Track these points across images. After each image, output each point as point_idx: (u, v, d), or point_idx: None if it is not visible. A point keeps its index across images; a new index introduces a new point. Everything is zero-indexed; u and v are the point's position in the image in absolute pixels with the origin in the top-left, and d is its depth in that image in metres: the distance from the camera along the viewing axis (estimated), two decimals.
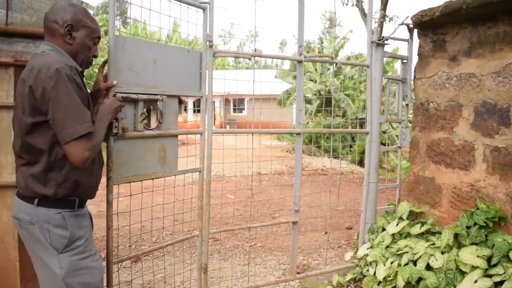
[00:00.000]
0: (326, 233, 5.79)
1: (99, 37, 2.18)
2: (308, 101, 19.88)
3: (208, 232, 3.46)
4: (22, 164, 2.04)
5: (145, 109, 2.82)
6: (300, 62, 3.80)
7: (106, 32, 21.06)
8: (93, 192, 2.22)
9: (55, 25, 2.06)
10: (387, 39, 4.23)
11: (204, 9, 3.22)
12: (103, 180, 2.45)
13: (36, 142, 1.96)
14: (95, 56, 2.23)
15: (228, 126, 25.79)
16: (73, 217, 2.06)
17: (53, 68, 1.88)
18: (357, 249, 4.40)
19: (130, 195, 3.08)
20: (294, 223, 3.95)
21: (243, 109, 31.03)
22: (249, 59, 3.51)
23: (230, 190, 8.25)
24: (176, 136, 3.17)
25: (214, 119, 3.71)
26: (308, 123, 18.81)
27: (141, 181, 2.95)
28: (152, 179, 3.00)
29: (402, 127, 4.53)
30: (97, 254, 2.19)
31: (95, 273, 2.12)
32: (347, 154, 12.96)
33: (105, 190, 2.70)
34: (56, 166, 1.99)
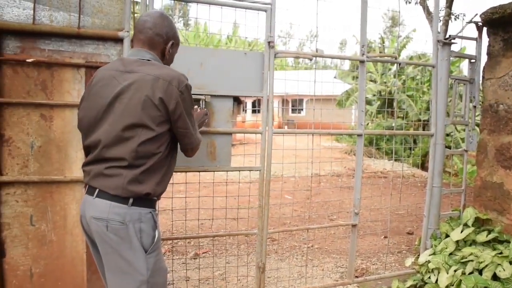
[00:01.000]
0: (386, 237, 5.66)
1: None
2: (368, 102, 19.49)
3: (266, 231, 3.47)
4: (118, 167, 2.00)
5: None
6: (362, 62, 3.73)
7: None
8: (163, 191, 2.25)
9: (158, 38, 2.19)
10: (454, 38, 4.07)
11: (265, 11, 3.25)
12: None
13: (148, 148, 2.02)
14: None
15: (286, 127, 25.75)
16: (157, 216, 2.14)
17: (183, 83, 2.08)
18: (418, 255, 4.26)
19: (185, 193, 3.14)
20: (354, 226, 3.88)
21: (302, 109, 30.86)
22: (310, 60, 3.49)
23: (288, 191, 8.24)
24: (229, 134, 3.27)
25: (273, 119, 3.72)
26: (368, 124, 18.45)
27: (186, 172, 3.17)
28: (199, 172, 3.20)
29: (469, 130, 4.35)
30: None
31: (165, 273, 2.16)
32: (408, 157, 12.60)
33: None
34: (158, 167, 2.07)
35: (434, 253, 3.99)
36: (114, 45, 2.90)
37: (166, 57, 2.26)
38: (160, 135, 2.04)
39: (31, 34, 2.73)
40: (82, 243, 2.94)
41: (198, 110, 2.75)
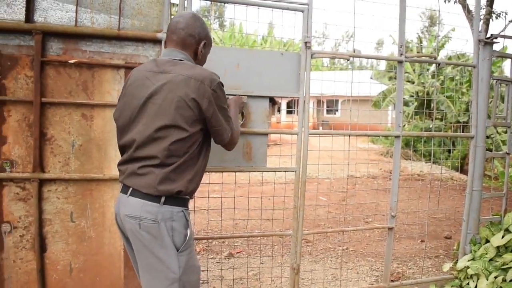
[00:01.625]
0: (423, 241, 5.55)
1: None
2: (405, 103, 19.16)
3: (301, 232, 3.45)
4: (150, 165, 2.04)
5: None
6: (400, 62, 3.67)
7: None
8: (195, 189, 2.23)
9: (191, 39, 2.22)
10: (496, 37, 3.95)
11: (302, 11, 3.24)
12: None
13: (180, 147, 2.04)
14: None
15: (321, 128, 25.59)
16: (189, 215, 2.17)
17: (215, 81, 2.10)
18: (457, 260, 4.16)
19: (221, 192, 3.17)
20: (390, 229, 3.82)
21: (337, 110, 30.61)
22: (347, 60, 3.46)
23: (323, 192, 8.19)
24: (265, 134, 3.26)
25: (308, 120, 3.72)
26: (405, 125, 18.12)
27: (222, 172, 3.18)
28: (235, 172, 3.20)
29: (511, 132, 4.21)
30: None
31: (198, 271, 2.17)
32: (447, 159, 12.31)
33: None
34: (189, 165, 2.10)
35: (473, 259, 3.89)
36: (153, 46, 2.95)
37: (198, 57, 2.28)
38: (192, 135, 2.06)
39: (73, 36, 2.81)
40: (119, 240, 3.00)
41: (235, 97, 2.77)
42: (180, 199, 2.09)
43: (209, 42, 2.32)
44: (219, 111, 2.13)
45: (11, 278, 2.85)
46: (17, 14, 2.72)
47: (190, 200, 2.21)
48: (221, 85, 2.14)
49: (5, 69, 2.72)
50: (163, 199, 2.02)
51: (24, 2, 2.71)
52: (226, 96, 2.26)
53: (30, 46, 2.74)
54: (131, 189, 2.06)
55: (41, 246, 2.87)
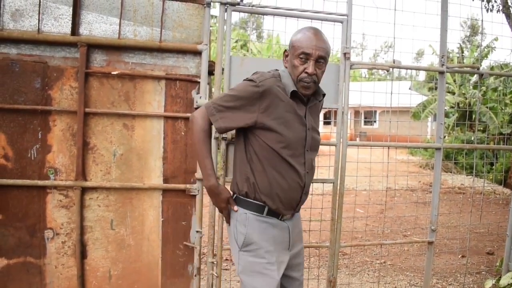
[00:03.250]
0: (463, 256, 5.39)
1: (304, 53, 2.10)
2: (445, 115, 18.67)
3: (339, 245, 3.41)
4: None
5: None
6: (442, 73, 3.60)
7: (241, 47, 22.01)
8: (275, 201, 2.16)
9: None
10: None
11: (342, 22, 3.22)
12: None
13: (238, 152, 2.26)
14: (308, 73, 2.11)
15: (358, 139, 25.30)
16: (257, 221, 2.18)
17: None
18: (500, 277, 4.02)
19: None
20: (430, 243, 3.73)
21: (375, 121, 30.20)
22: (387, 71, 3.42)
23: (360, 204, 8.06)
24: None
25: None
26: (445, 137, 17.62)
27: None
28: None
29: None
30: (276, 265, 2.16)
31: (267, 282, 2.12)
32: (488, 172, 11.92)
33: None
34: (242, 167, 2.23)
35: None
36: (193, 58, 3.00)
37: (285, 66, 2.25)
38: (241, 138, 2.23)
39: (116, 48, 2.89)
40: (157, 248, 3.05)
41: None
42: (246, 201, 2.19)
43: (289, 47, 2.20)
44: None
45: (52, 283, 2.93)
46: (63, 27, 2.82)
47: (275, 211, 2.19)
48: (246, 79, 2.15)
49: (51, 80, 2.82)
50: (235, 198, 2.24)
51: (70, 16, 2.81)
52: None
53: (75, 58, 2.83)
54: None
55: (82, 253, 2.94)
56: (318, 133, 2.33)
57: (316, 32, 2.13)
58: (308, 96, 2.20)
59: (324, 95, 2.32)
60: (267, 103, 2.08)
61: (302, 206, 2.34)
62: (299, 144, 2.17)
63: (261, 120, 2.08)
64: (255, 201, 2.16)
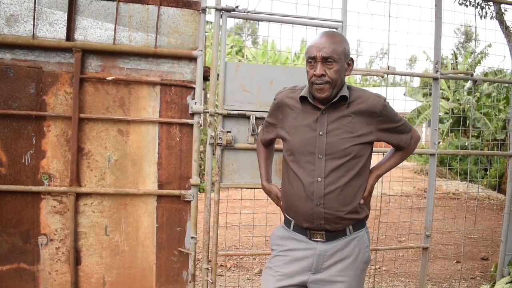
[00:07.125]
0: (458, 262, 5.40)
1: (310, 57, 2.06)
2: (439, 120, 18.73)
3: None
4: None
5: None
6: (436, 79, 3.62)
7: (237, 53, 22.02)
8: (291, 211, 2.18)
9: None
10: None
11: (336, 28, 3.24)
12: None
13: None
14: (316, 75, 2.04)
15: None
16: (284, 231, 2.23)
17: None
18: (494, 283, 4.03)
19: (253, 209, 3.16)
20: (425, 248, 3.73)
21: None
22: (382, 77, 3.43)
23: None
24: None
25: None
26: (439, 143, 17.69)
27: (254, 188, 3.20)
28: None
29: None
30: (280, 273, 2.13)
31: (266, 282, 2.17)
32: (483, 178, 11.96)
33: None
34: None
35: (511, 282, 3.76)
36: (188, 64, 3.00)
37: None
38: None
39: (111, 53, 2.89)
40: (152, 255, 3.03)
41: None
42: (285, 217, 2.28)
43: (306, 58, 2.12)
44: None
45: None
46: (58, 32, 2.81)
47: (299, 225, 2.16)
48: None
49: (46, 85, 2.82)
50: None
51: (65, 21, 2.81)
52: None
53: (70, 64, 2.83)
54: None
55: (76, 259, 2.92)
56: (350, 137, 2.07)
57: (323, 35, 2.09)
58: (325, 99, 2.06)
59: (345, 96, 2.08)
60: (282, 115, 2.21)
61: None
62: (306, 151, 2.07)
63: (280, 131, 2.23)
64: (286, 215, 2.24)
